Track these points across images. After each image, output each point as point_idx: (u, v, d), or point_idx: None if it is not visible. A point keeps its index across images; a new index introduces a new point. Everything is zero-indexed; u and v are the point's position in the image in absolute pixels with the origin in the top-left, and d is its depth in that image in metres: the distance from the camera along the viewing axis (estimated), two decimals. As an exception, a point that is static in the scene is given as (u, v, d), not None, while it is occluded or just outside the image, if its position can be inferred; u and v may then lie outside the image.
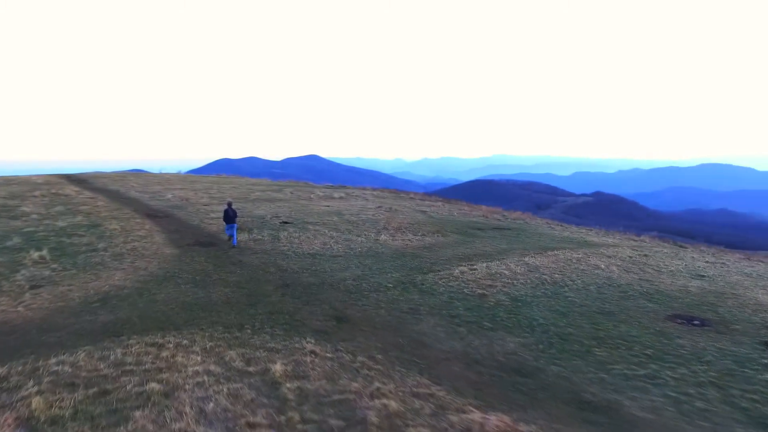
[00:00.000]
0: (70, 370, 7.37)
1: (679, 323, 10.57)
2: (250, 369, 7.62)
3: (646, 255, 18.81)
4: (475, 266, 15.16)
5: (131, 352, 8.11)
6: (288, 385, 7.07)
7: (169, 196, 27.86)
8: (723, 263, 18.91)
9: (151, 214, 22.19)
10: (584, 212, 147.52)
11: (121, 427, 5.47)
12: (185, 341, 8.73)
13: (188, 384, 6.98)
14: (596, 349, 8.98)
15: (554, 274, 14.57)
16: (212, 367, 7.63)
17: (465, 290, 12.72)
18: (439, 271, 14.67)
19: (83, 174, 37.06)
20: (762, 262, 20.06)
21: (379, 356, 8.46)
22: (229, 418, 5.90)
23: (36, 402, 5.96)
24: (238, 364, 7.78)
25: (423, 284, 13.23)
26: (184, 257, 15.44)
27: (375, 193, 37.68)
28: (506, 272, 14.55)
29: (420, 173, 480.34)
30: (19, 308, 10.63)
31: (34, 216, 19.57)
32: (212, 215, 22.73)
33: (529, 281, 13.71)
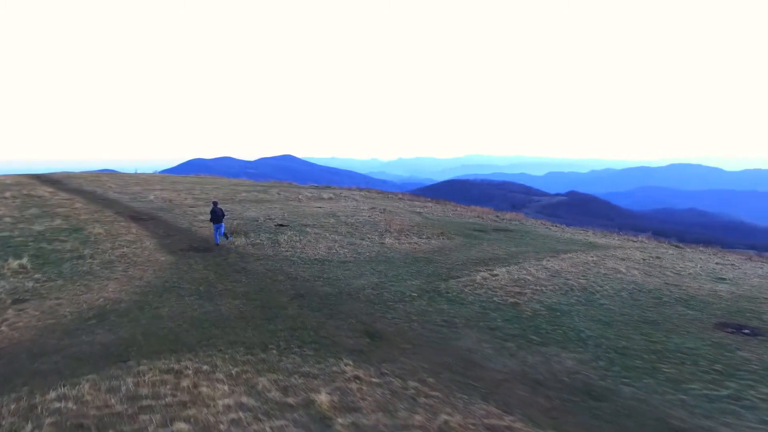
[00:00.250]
0: (75, 407, 6.18)
1: (729, 332, 9.98)
2: (290, 400, 6.56)
3: (658, 257, 18.41)
4: (495, 271, 14.34)
5: (144, 381, 6.94)
6: (340, 420, 6.06)
7: (151, 197, 26.16)
8: (732, 264, 18.68)
9: (136, 217, 20.61)
10: (559, 212, 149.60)
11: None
12: (205, 366, 7.59)
13: (222, 423, 5.90)
14: (661, 365, 8.24)
15: (579, 279, 13.89)
16: (245, 399, 6.54)
17: (495, 299, 11.86)
18: (459, 277, 13.79)
19: (54, 174, 34.67)
20: (767, 263, 19.97)
21: (431, 380, 7.50)
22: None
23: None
24: (275, 394, 6.71)
25: (448, 292, 12.30)
26: (181, 264, 14.09)
27: (363, 193, 36.69)
28: (529, 278, 13.78)
29: (395, 173, 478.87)
30: (2, 327, 9.14)
31: (7, 219, 17.72)
32: (201, 218, 21.31)
33: (557, 288, 12.96)
